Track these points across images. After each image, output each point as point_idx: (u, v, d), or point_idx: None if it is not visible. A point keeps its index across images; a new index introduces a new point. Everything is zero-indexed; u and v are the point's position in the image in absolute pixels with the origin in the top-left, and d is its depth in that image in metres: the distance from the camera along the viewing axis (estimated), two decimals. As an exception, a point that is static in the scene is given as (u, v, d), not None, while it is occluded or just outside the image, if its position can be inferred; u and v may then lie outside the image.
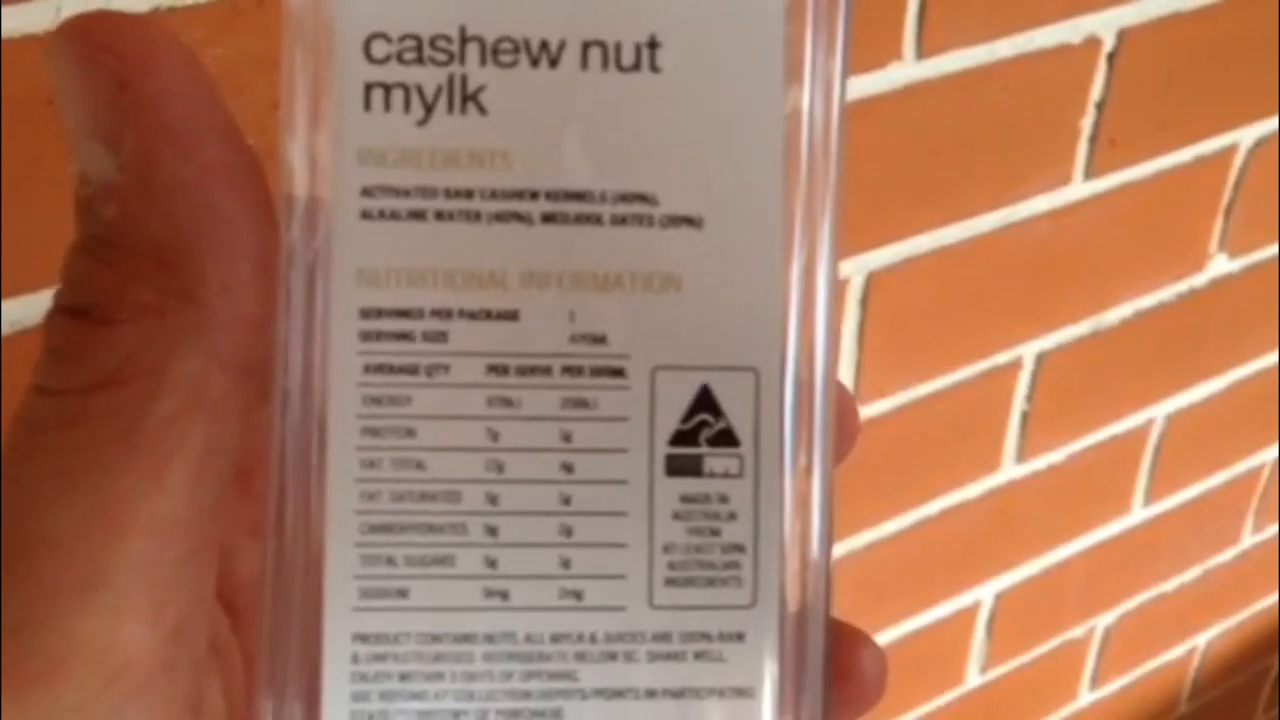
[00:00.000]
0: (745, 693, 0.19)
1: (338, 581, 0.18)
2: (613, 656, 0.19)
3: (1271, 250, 0.69)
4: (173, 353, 0.17)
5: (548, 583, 0.19)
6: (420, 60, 0.18)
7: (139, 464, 0.17)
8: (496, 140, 0.18)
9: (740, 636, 0.19)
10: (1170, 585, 0.82)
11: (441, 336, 0.18)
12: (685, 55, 0.18)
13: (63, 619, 0.17)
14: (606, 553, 0.19)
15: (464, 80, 0.18)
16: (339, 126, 0.18)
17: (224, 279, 0.17)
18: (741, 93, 0.18)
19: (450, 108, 0.18)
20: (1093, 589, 0.77)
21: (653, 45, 0.18)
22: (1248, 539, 0.85)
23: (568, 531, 0.19)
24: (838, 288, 0.19)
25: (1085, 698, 0.84)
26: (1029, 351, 0.63)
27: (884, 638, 0.68)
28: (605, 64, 0.18)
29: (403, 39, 0.18)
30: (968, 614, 0.71)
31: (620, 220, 0.18)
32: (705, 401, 0.19)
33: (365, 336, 0.18)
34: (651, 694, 0.19)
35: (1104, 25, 0.54)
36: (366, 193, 0.18)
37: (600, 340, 0.19)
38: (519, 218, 0.18)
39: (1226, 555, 0.84)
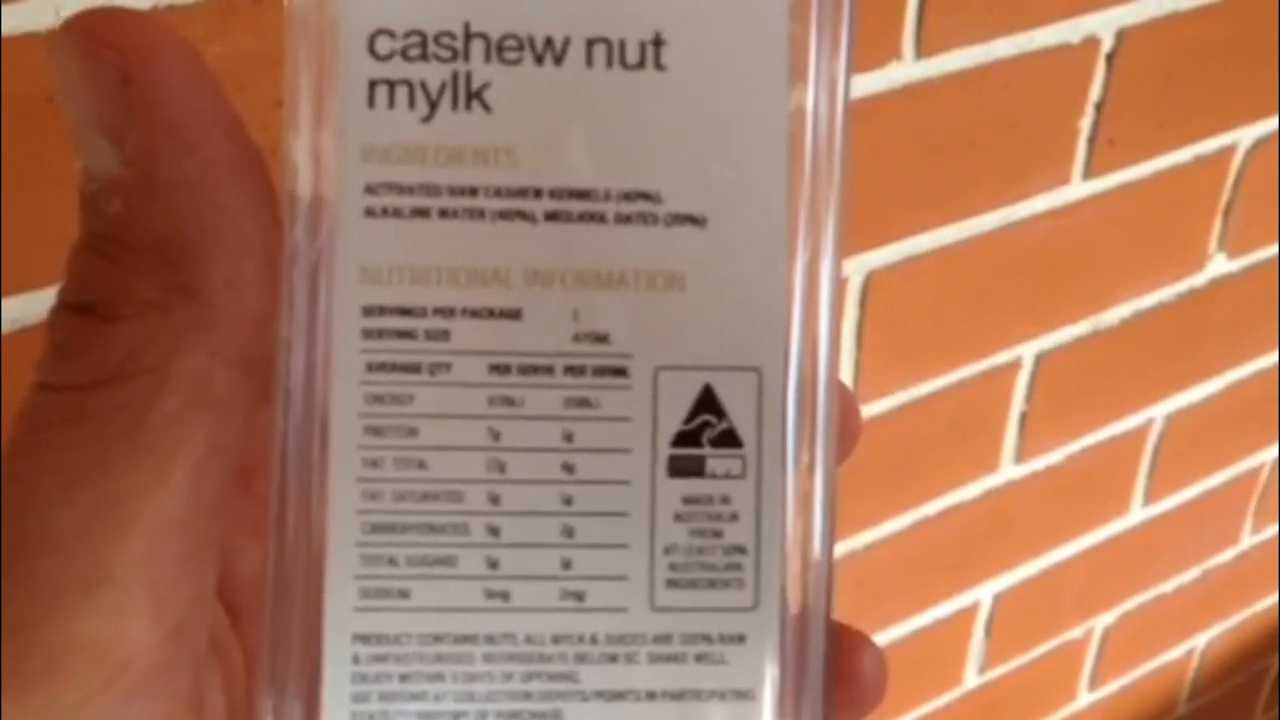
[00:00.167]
0: (746, 695, 0.19)
1: (339, 581, 0.18)
2: (613, 658, 0.19)
3: (1270, 250, 0.69)
4: (176, 349, 0.17)
5: (549, 583, 0.19)
6: (424, 57, 0.18)
7: (141, 461, 0.17)
8: (501, 138, 0.18)
9: (741, 638, 0.19)
10: (1169, 586, 0.82)
11: (444, 335, 0.18)
12: (690, 53, 0.18)
13: (64, 617, 0.17)
14: (608, 554, 0.19)
15: (468, 77, 0.18)
16: (343, 123, 0.18)
17: (227, 275, 0.17)
18: (746, 91, 0.18)
19: (455, 105, 0.18)
20: (1091, 590, 0.77)
21: (657, 43, 0.18)
22: (1247, 540, 0.85)
23: (569, 532, 0.19)
24: (840, 287, 0.19)
25: (1084, 698, 0.84)
26: (1028, 351, 0.63)
27: (883, 638, 0.68)
28: (610, 62, 0.18)
29: (407, 35, 0.18)
30: (966, 615, 0.71)
31: (624, 219, 0.18)
32: (708, 402, 0.19)
33: (368, 334, 0.18)
34: (652, 696, 0.19)
35: (1103, 25, 0.54)
36: (370, 190, 0.18)
37: (603, 339, 0.18)
38: (523, 216, 0.18)
39: (1225, 556, 0.84)
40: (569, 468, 0.19)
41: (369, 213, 0.18)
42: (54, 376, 0.17)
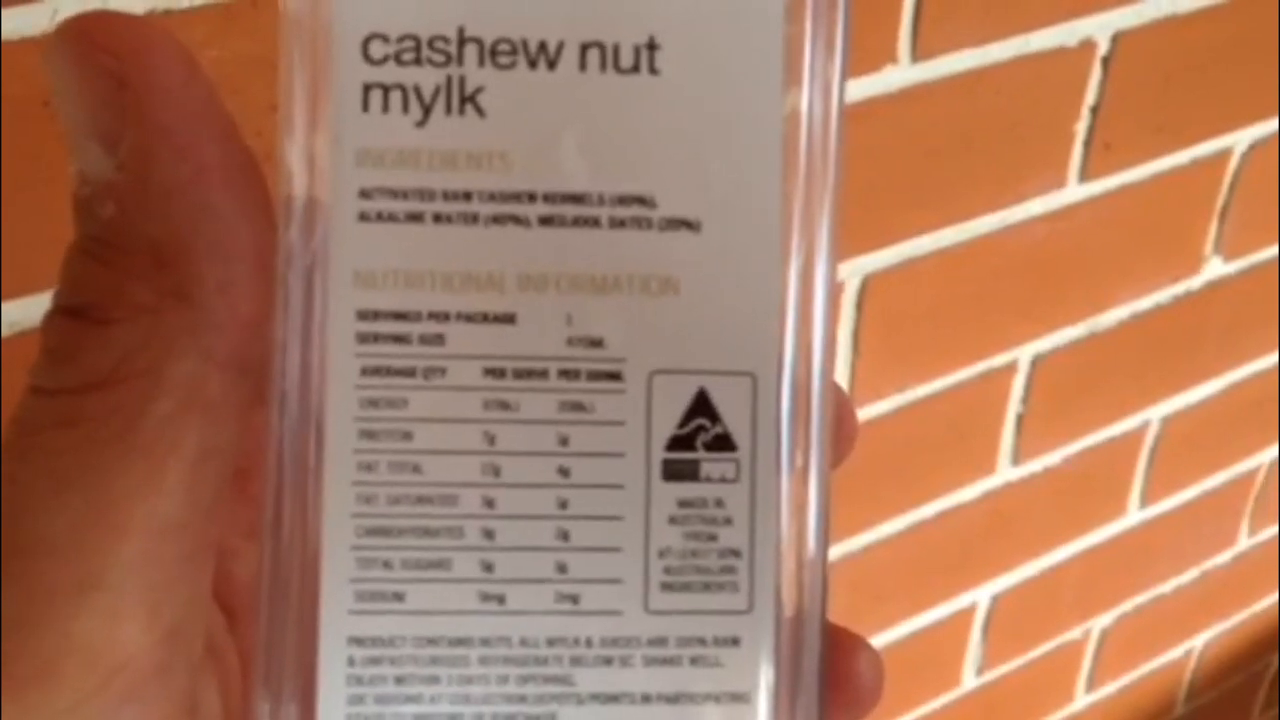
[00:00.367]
0: (741, 698, 0.19)
1: (334, 584, 0.18)
2: (608, 661, 0.19)
3: (1267, 252, 0.70)
4: (169, 353, 0.17)
5: (544, 587, 0.19)
6: (418, 61, 0.18)
7: (135, 464, 0.17)
8: (494, 142, 0.18)
9: (736, 641, 0.19)
10: (1167, 587, 0.82)
11: (439, 339, 0.18)
12: (684, 57, 0.18)
13: (58, 620, 0.17)
14: (602, 557, 0.19)
15: (462, 81, 0.18)
16: (337, 128, 0.18)
17: (220, 279, 0.17)
18: (740, 95, 0.18)
19: (448, 109, 0.18)
20: (1089, 591, 0.77)
21: (651, 47, 0.18)
22: (1244, 541, 0.85)
23: (564, 535, 0.19)
24: (835, 290, 0.19)
25: (1082, 700, 0.84)
26: (1024, 354, 0.63)
27: (880, 640, 0.68)
28: (604, 66, 0.18)
29: (401, 40, 0.18)
30: (964, 616, 0.71)
31: (618, 223, 0.18)
32: (702, 406, 0.19)
33: (362, 339, 0.18)
34: (647, 699, 0.19)
35: (1099, 28, 0.54)
36: (364, 194, 0.18)
37: (597, 344, 0.18)
38: (517, 220, 0.18)
39: (1223, 557, 0.84)
40: (564, 471, 0.19)
41: (363, 217, 0.18)
42: (47, 380, 0.17)
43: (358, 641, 0.18)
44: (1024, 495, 0.68)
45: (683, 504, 0.19)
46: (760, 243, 0.19)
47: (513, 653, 0.19)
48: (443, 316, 0.18)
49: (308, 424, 0.18)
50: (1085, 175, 0.58)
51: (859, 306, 0.55)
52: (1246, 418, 0.77)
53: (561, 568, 0.19)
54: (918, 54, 0.49)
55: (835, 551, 0.62)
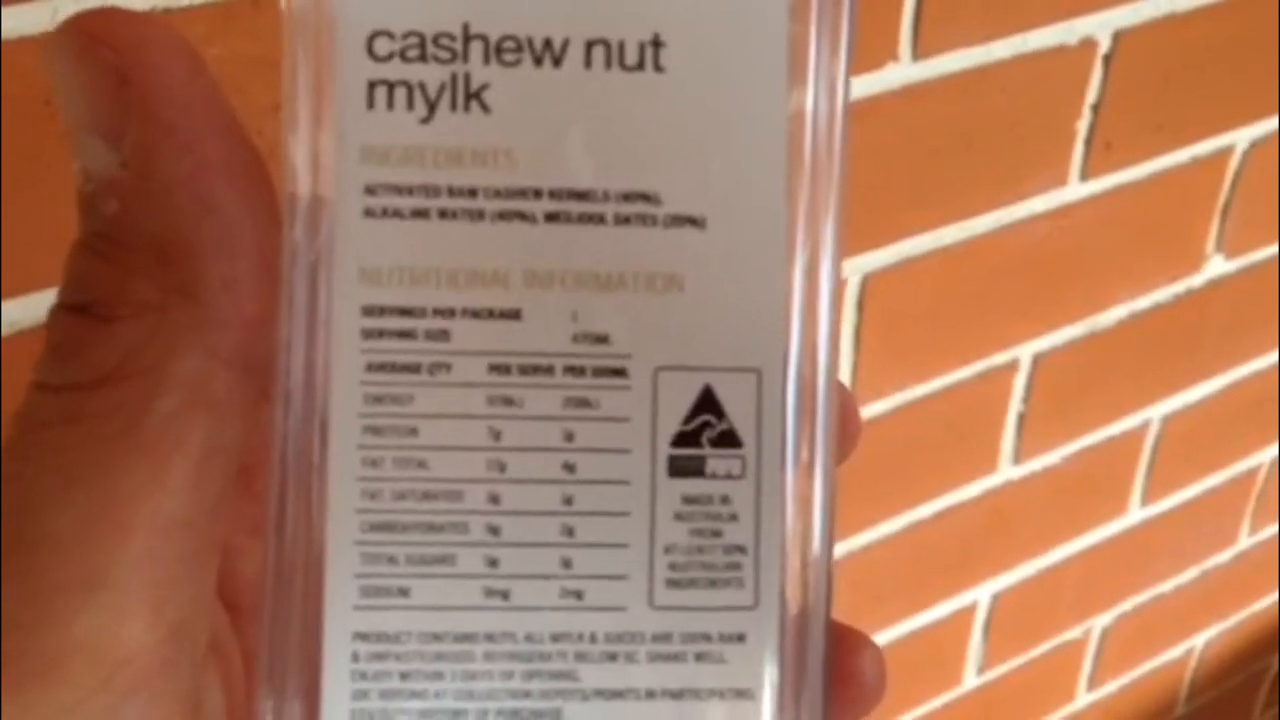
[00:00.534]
0: (745, 694, 0.19)
1: (338, 580, 0.18)
2: (613, 657, 0.19)
3: (1267, 251, 0.70)
4: (174, 350, 0.17)
5: (549, 582, 0.19)
6: (423, 58, 0.18)
7: (140, 462, 0.17)
8: (499, 139, 0.18)
9: (741, 638, 0.19)
10: (1167, 586, 0.82)
11: (444, 335, 0.18)
12: (689, 55, 0.18)
13: (61, 617, 0.17)
14: (608, 553, 0.19)
15: (467, 78, 0.18)
16: (341, 125, 0.18)
17: (224, 276, 0.17)
18: (745, 92, 0.18)
19: (453, 106, 0.18)
20: (1090, 590, 0.77)
21: (656, 44, 0.18)
22: (1245, 540, 0.85)
23: (569, 531, 0.19)
24: (840, 288, 0.19)
25: (1082, 699, 0.84)
26: (1025, 352, 0.63)
27: (881, 639, 0.68)
28: (609, 63, 0.18)
29: (406, 36, 0.18)
30: (965, 615, 0.71)
31: (623, 220, 0.18)
32: (708, 402, 0.19)
33: (367, 335, 0.18)
34: (651, 695, 0.19)
35: (1099, 27, 0.54)
36: (369, 191, 0.18)
37: (603, 340, 0.18)
38: (522, 217, 0.18)
39: (1224, 556, 0.84)
40: (569, 467, 0.19)
41: (368, 213, 0.18)
42: (52, 377, 0.17)
43: (362, 637, 0.18)
44: (1024, 494, 0.68)
45: (688, 500, 0.19)
46: (765, 240, 0.19)
47: (517, 648, 0.19)
48: (448, 313, 0.18)
49: (312, 420, 0.18)
50: (1086, 174, 0.58)
51: (860, 305, 0.55)
52: (1248, 416, 0.77)
53: (566, 563, 0.19)
54: (918, 52, 0.49)
55: (836, 550, 0.62)
